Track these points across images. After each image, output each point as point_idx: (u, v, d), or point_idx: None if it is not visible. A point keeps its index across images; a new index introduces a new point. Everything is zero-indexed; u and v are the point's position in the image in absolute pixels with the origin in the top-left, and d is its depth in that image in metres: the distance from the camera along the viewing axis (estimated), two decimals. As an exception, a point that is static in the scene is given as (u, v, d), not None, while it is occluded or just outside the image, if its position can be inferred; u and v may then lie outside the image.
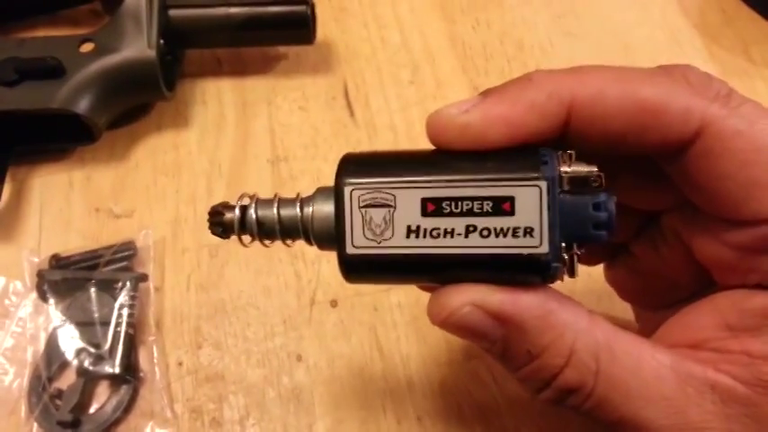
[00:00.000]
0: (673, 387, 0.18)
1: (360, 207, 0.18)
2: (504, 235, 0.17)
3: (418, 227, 0.18)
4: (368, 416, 0.30)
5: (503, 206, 0.17)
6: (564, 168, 0.17)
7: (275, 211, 0.20)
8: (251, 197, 0.20)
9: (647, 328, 0.21)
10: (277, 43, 0.39)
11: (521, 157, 0.18)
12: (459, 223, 0.18)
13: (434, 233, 0.18)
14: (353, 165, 0.19)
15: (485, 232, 0.17)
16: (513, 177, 0.17)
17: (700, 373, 0.18)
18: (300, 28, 0.37)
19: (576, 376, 0.18)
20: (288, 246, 0.20)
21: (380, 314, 0.32)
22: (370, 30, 0.41)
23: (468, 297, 0.18)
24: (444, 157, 0.18)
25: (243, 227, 0.20)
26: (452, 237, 0.18)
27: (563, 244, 0.17)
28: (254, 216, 0.20)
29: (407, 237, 0.18)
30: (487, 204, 0.17)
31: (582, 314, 0.19)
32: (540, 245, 0.17)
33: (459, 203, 0.17)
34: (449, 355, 0.31)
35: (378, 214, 0.18)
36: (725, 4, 0.42)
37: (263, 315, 0.32)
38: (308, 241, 0.20)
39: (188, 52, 0.39)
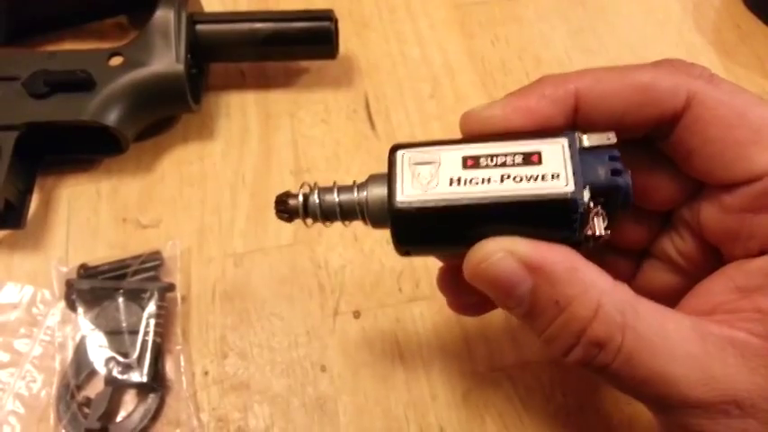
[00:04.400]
0: (695, 345, 0.19)
1: (410, 165, 0.21)
2: (535, 180, 0.20)
3: (459, 177, 0.20)
4: (391, 426, 0.30)
5: (532, 158, 0.20)
6: (581, 133, 0.20)
7: (336, 196, 0.22)
8: (311, 186, 0.23)
9: None
10: (301, 58, 0.40)
11: (544, 132, 0.21)
12: (494, 173, 0.20)
13: (473, 181, 0.20)
14: (403, 146, 0.22)
15: (517, 179, 0.20)
16: (538, 136, 0.20)
17: (718, 331, 0.19)
18: (324, 43, 0.37)
19: (603, 329, 0.19)
20: (345, 226, 0.23)
21: (403, 325, 0.33)
22: (390, 45, 0.42)
23: (501, 245, 0.20)
24: (479, 136, 0.21)
25: (306, 211, 0.23)
26: (489, 183, 0.20)
27: (586, 188, 0.19)
28: (316, 201, 0.23)
29: (450, 185, 0.20)
30: (518, 157, 0.20)
31: (606, 276, 0.20)
32: (566, 185, 0.19)
33: (495, 158, 0.20)
34: (472, 366, 0.31)
35: (425, 170, 0.21)
36: (740, 21, 0.42)
37: (288, 325, 0.33)
38: (364, 221, 0.22)
39: (213, 66, 0.40)
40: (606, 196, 0.20)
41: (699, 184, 0.22)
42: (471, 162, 0.20)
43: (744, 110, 0.20)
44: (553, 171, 0.20)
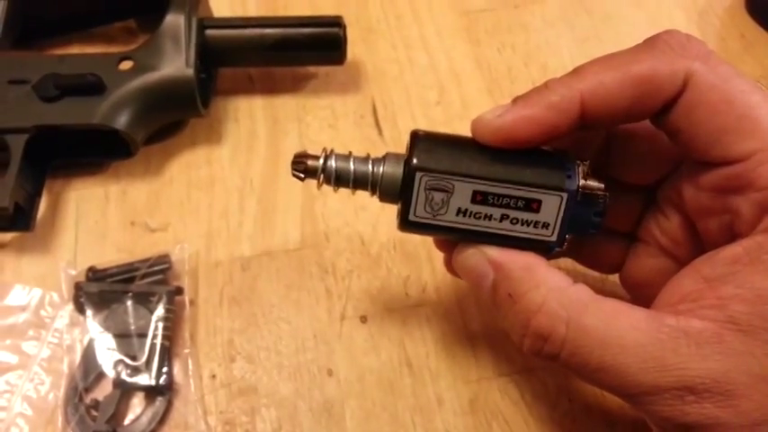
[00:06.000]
0: (647, 335, 0.20)
1: (425, 189, 0.23)
2: (528, 225, 0.23)
3: (466, 209, 0.23)
4: (398, 431, 0.30)
5: (532, 205, 0.23)
6: (581, 182, 0.23)
7: (351, 164, 0.24)
8: (327, 151, 0.24)
9: None
10: (309, 63, 0.40)
11: (551, 169, 0.23)
12: (497, 211, 0.23)
13: (477, 215, 0.23)
14: (423, 148, 0.23)
15: (514, 221, 0.23)
16: (544, 186, 0.23)
17: (672, 321, 0.20)
18: (332, 49, 0.37)
19: (546, 322, 0.21)
20: (352, 193, 0.25)
21: (409, 329, 0.33)
22: (397, 51, 0.42)
23: (477, 246, 0.24)
24: (492, 155, 0.23)
25: (323, 173, 0.24)
26: (490, 220, 0.23)
27: (566, 237, 0.23)
28: (333, 166, 0.24)
29: (457, 215, 0.23)
30: (521, 202, 0.23)
31: (563, 279, 0.23)
32: (551, 235, 0.23)
33: (501, 198, 0.23)
34: (478, 372, 0.31)
35: (438, 196, 0.23)
36: (744, 30, 0.43)
37: (295, 329, 0.33)
38: (373, 193, 0.24)
39: (221, 70, 0.40)
40: (580, 236, 0.24)
41: (682, 156, 0.24)
42: (480, 197, 0.23)
43: (732, 97, 0.21)
44: (545, 221, 0.23)
